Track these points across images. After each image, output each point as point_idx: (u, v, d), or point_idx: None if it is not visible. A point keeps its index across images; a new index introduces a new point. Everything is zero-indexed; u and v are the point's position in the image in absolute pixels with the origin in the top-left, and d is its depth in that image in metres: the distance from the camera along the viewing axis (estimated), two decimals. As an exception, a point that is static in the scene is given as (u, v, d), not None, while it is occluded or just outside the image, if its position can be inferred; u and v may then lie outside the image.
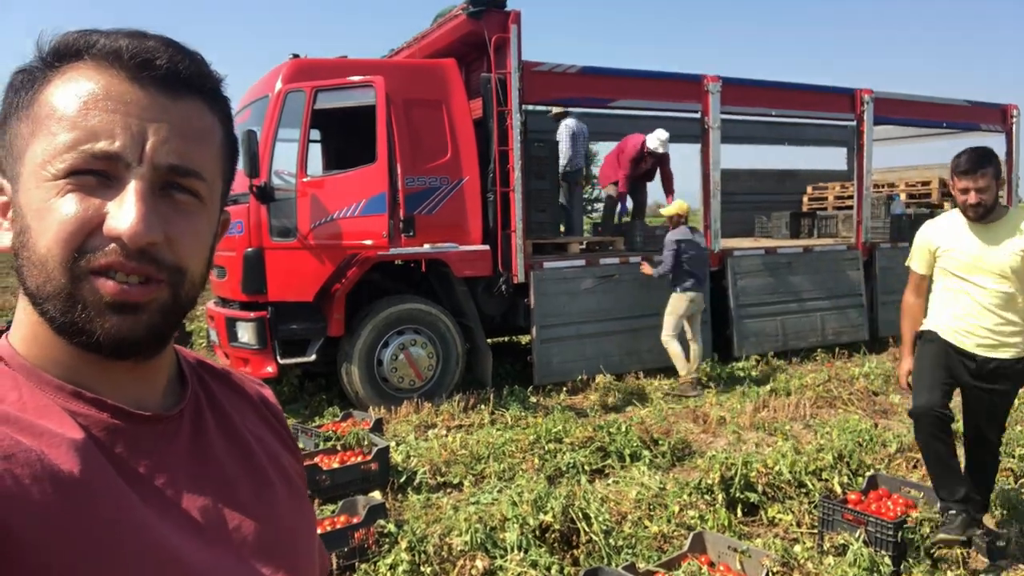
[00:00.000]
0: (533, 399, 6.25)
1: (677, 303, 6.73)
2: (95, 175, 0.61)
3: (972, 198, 3.14)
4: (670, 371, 6.99)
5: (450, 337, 6.34)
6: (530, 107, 7.33)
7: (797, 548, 3.33)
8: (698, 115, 7.83)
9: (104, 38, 0.63)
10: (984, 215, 3.17)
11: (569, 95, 7.28)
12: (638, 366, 7.11)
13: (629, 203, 8.75)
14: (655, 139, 7.92)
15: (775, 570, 3.00)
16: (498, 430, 5.25)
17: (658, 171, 8.39)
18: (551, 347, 6.84)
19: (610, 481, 4.41)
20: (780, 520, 3.77)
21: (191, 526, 0.65)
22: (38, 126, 0.62)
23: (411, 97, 6.27)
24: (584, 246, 7.92)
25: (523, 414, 5.68)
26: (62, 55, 0.63)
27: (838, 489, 3.87)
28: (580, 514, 3.45)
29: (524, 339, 8.85)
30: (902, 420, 5.62)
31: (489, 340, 6.87)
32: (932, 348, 3.36)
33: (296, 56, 6.24)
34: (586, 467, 4.54)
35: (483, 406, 5.88)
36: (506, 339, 8.98)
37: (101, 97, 0.61)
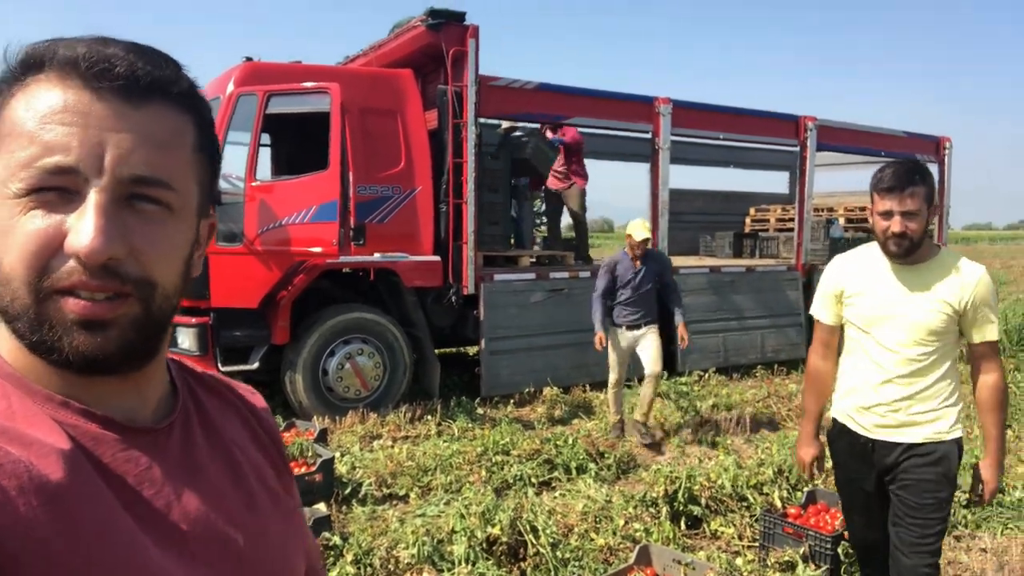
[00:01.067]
0: (480, 411, 6.24)
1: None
2: (56, 191, 0.59)
3: (896, 225, 2.29)
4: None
5: (398, 347, 6.29)
6: (484, 120, 7.36)
7: (739, 561, 3.41)
8: (649, 135, 8.00)
9: (65, 47, 0.61)
10: (909, 251, 2.33)
11: (525, 110, 7.34)
12: (586, 379, 7.18)
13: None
14: None
15: (718, 582, 3.06)
16: (445, 442, 5.22)
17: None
18: (500, 359, 6.85)
19: (557, 494, 4.43)
20: (723, 533, 3.85)
21: (176, 539, 0.64)
22: (1, 143, 0.60)
23: (366, 105, 6.24)
24: (535, 259, 7.98)
25: (470, 426, 5.67)
26: (27, 67, 0.61)
27: (778, 503, 3.98)
28: (528, 527, 3.45)
29: (472, 350, 8.84)
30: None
31: (437, 351, 6.84)
32: (840, 450, 2.64)
33: (249, 59, 6.14)
34: (533, 480, 4.56)
35: (430, 417, 5.84)
36: (454, 350, 8.96)
37: (58, 110, 0.59)
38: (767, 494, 4.20)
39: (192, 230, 0.68)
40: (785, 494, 4.23)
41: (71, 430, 0.61)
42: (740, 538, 3.80)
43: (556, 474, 4.72)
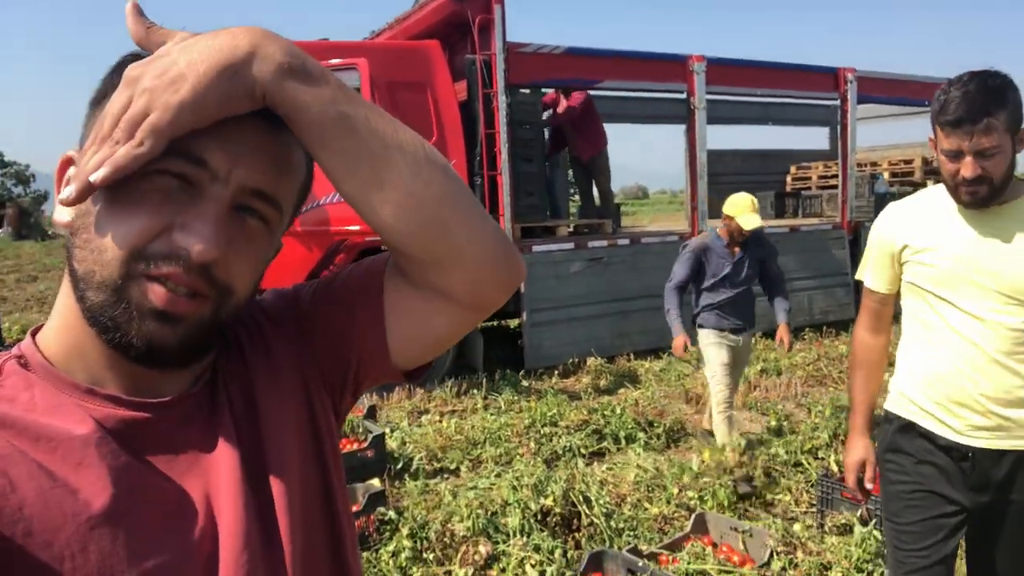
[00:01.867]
0: (525, 383, 6.22)
1: (702, 349, 4.53)
2: (177, 178, 0.60)
3: (967, 169, 1.67)
4: (660, 352, 6.99)
5: (440, 322, 6.27)
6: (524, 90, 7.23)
7: (796, 527, 3.33)
8: (684, 95, 7.79)
9: None
10: (988, 199, 1.72)
11: (555, 76, 7.21)
12: (629, 348, 7.11)
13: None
14: None
15: (778, 549, 3.00)
16: (492, 415, 5.22)
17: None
18: (542, 331, 6.81)
19: (607, 464, 4.39)
20: (779, 500, 3.77)
21: (202, 517, 0.63)
22: None
23: (395, 79, 6.17)
24: (572, 229, 7.88)
25: (516, 398, 5.65)
26: None
27: (835, 467, 3.88)
28: (580, 497, 3.43)
29: (513, 323, 8.81)
30: (892, 397, 5.67)
31: (479, 325, 6.81)
32: (906, 456, 1.93)
33: None
34: (582, 450, 4.53)
35: (475, 391, 5.84)
36: (495, 323, 8.94)
37: None
38: (823, 458, 4.11)
39: (273, 247, 0.71)
40: (841, 458, 4.13)
41: (97, 414, 0.61)
42: (797, 504, 3.72)
43: (605, 444, 4.68)
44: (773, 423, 4.92)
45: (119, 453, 0.60)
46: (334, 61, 5.84)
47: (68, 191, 0.57)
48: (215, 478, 0.65)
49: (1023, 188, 1.78)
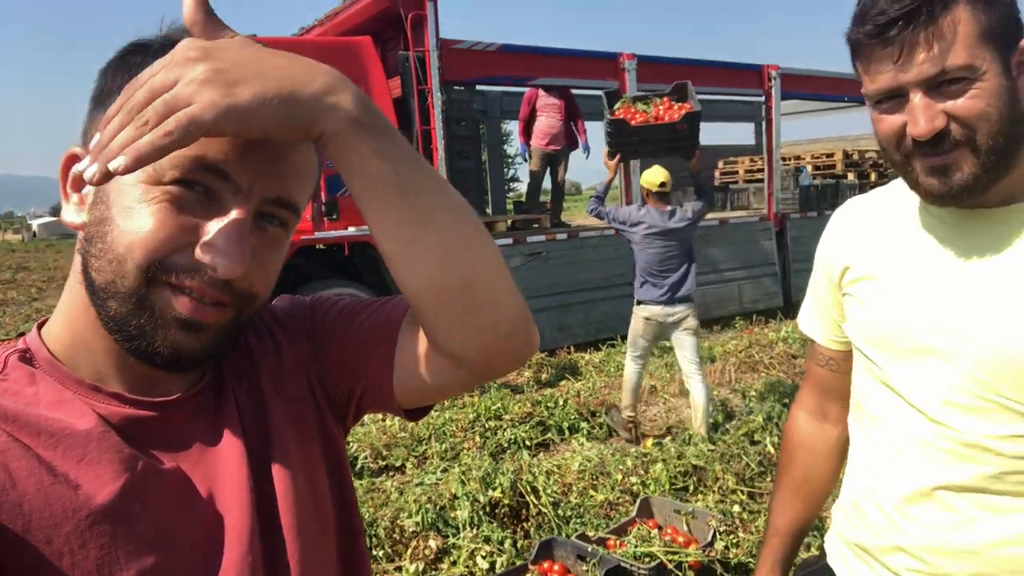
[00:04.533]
0: (467, 379, 6.23)
1: (632, 320, 4.76)
2: (194, 189, 0.59)
3: (919, 119, 0.88)
4: (600, 343, 7.11)
5: (380, 321, 6.23)
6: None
7: (736, 508, 3.46)
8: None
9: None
10: (973, 185, 0.90)
11: (489, 73, 7.24)
12: (569, 341, 7.20)
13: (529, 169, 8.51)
14: None
15: (721, 529, 3.10)
16: (436, 411, 5.21)
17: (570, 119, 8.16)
18: (482, 327, 6.82)
19: (552, 455, 4.45)
20: (718, 485, 3.89)
21: (204, 514, 0.63)
22: None
23: (328, 76, 6.07)
24: (510, 224, 7.93)
25: (460, 393, 5.66)
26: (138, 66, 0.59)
27: (771, 450, 4.03)
28: (528, 488, 3.47)
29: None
30: (820, 380, 5.91)
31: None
32: None
33: None
34: (527, 442, 4.58)
35: (418, 389, 5.82)
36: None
37: None
38: (758, 442, 4.26)
39: (287, 246, 0.70)
40: (776, 439, 4.30)
41: (102, 411, 0.61)
42: (736, 486, 3.85)
43: (549, 435, 4.74)
44: (710, 408, 5.07)
45: (122, 449, 0.60)
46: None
47: (91, 170, 0.52)
48: (220, 475, 0.65)
49: None
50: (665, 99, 4.76)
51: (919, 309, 0.98)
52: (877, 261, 1.06)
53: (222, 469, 0.65)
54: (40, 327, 0.66)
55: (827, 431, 1.25)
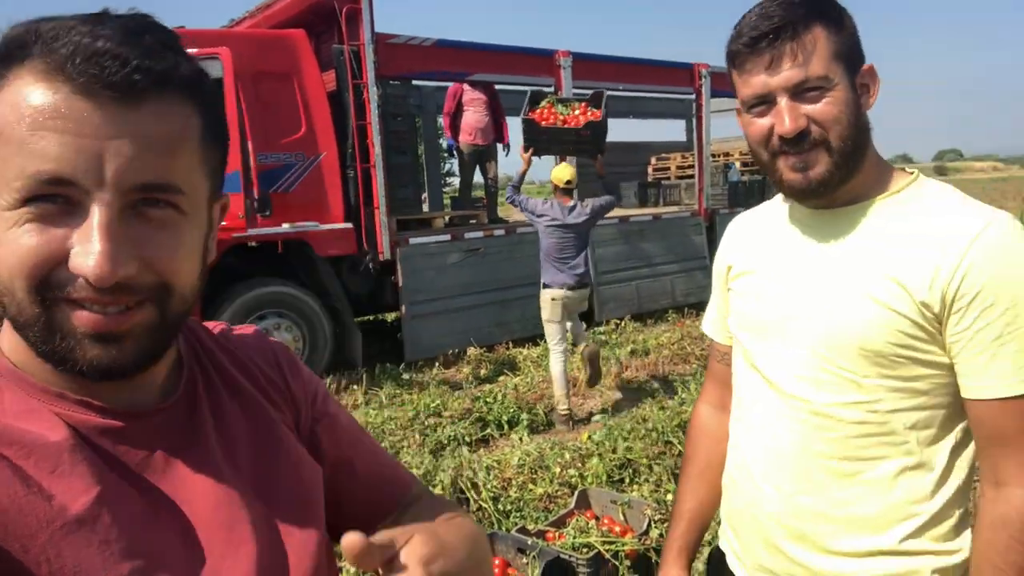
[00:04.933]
0: (406, 376, 6.22)
1: (541, 304, 5.20)
2: (54, 201, 0.55)
3: (785, 117, 1.03)
4: (538, 339, 7.19)
5: (316, 319, 6.15)
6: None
7: (669, 497, 3.57)
8: (552, 89, 8.01)
9: (51, 39, 0.55)
10: (829, 181, 1.05)
11: (425, 68, 7.21)
12: (507, 336, 7.26)
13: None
14: None
15: (656, 518, 3.21)
16: (374, 409, 5.19)
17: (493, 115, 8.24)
18: (421, 323, 6.82)
19: (492, 450, 4.50)
20: (652, 475, 4.01)
21: (178, 524, 0.63)
22: None
23: (260, 69, 5.95)
24: (448, 220, 7.93)
25: (398, 392, 5.65)
26: (7, 57, 0.56)
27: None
28: (469, 484, 3.51)
29: (390, 317, 8.76)
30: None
31: (355, 319, 6.74)
32: None
33: (44, 20, 5.70)
34: (467, 438, 4.61)
35: (356, 387, 5.79)
36: (371, 318, 8.85)
37: (49, 115, 0.54)
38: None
39: (205, 223, 0.65)
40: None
41: (70, 420, 0.60)
42: (671, 476, 3.98)
43: (489, 431, 4.79)
44: (644, 400, 5.22)
45: (94, 459, 0.59)
46: (192, 51, 5.53)
47: None
48: (191, 486, 0.65)
49: (890, 179, 1.11)
50: (583, 104, 5.30)
51: (777, 296, 1.16)
52: (753, 259, 1.24)
53: (193, 481, 0.65)
54: None
55: (726, 421, 1.34)
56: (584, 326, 5.63)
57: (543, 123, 5.14)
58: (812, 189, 1.06)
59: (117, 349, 0.58)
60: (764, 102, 1.06)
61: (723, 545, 1.32)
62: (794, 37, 1.02)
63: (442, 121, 8.42)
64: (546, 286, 5.10)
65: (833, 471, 1.08)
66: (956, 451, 1.07)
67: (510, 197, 5.21)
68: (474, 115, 8.14)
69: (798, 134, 1.03)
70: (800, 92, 1.03)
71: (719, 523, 1.35)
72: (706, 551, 2.93)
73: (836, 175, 1.05)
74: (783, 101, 1.03)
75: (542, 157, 5.42)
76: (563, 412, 5.06)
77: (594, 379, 5.34)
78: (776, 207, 1.25)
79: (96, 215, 0.55)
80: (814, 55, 1.02)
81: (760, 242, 1.23)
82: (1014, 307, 0.96)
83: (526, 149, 5.19)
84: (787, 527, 1.13)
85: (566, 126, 5.16)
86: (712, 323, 1.39)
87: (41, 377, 0.61)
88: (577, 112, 5.23)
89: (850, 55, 1.05)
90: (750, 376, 1.21)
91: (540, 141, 5.22)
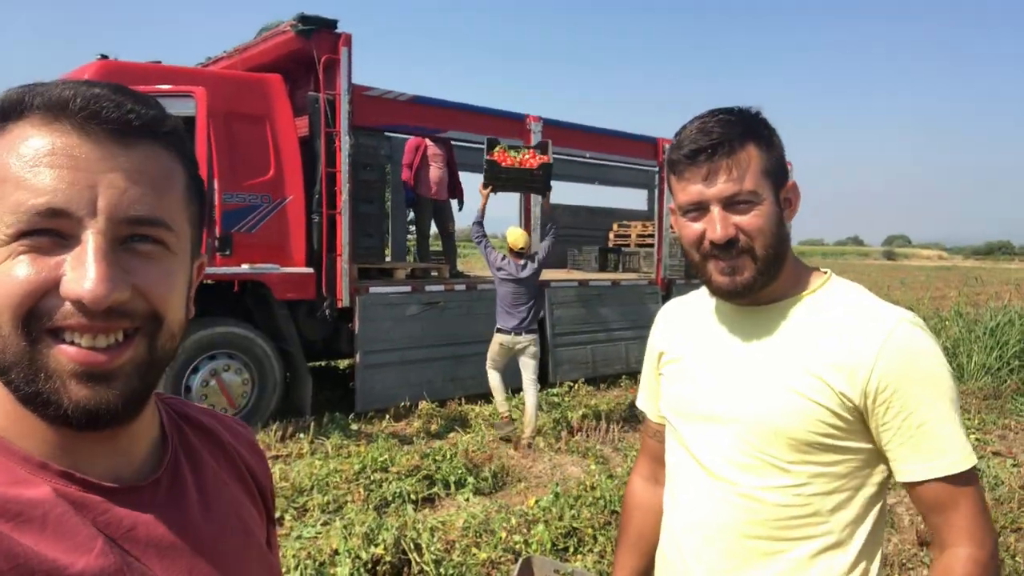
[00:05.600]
0: (355, 427, 6.13)
1: (493, 340, 6.13)
2: (49, 235, 0.57)
3: (716, 225, 1.14)
4: (491, 396, 7.17)
5: (267, 362, 6.06)
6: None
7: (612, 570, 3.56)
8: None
9: (49, 90, 0.59)
10: (753, 284, 1.17)
11: (399, 122, 7.33)
12: (460, 392, 7.23)
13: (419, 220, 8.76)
14: None
15: (598, 589, 3.19)
16: (319, 460, 5.09)
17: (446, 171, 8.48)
18: (374, 373, 6.76)
19: (437, 510, 4.44)
20: (597, 545, 4.00)
21: None
22: None
23: (233, 110, 5.99)
24: (409, 272, 7.95)
25: (345, 442, 5.55)
26: (6, 112, 0.59)
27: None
28: (412, 545, 3.45)
29: (342, 364, 8.65)
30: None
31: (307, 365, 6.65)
32: None
33: (104, 57, 5.72)
34: (413, 496, 4.54)
35: (302, 435, 5.67)
36: (323, 364, 8.73)
37: (46, 153, 0.57)
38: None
39: (188, 271, 0.67)
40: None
41: (57, 490, 0.59)
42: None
43: (435, 489, 4.72)
44: (593, 466, 5.23)
45: (84, 527, 0.59)
46: (165, 87, 5.57)
47: None
48: (172, 563, 0.65)
49: (807, 280, 1.22)
50: (531, 150, 6.35)
51: (706, 385, 1.25)
52: (682, 347, 1.33)
53: (176, 558, 0.65)
54: None
55: (658, 493, 1.42)
56: (536, 388, 6.14)
57: (503, 163, 6.02)
58: (738, 292, 1.18)
59: (106, 390, 0.58)
60: (698, 209, 1.17)
61: None
62: (730, 154, 1.13)
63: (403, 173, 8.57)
64: (498, 330, 6.01)
65: (759, 551, 1.17)
66: (873, 531, 1.16)
67: (478, 235, 6.04)
68: (437, 170, 8.36)
69: (727, 241, 1.14)
70: (731, 204, 1.14)
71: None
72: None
73: (759, 280, 1.17)
74: (716, 210, 1.15)
75: (498, 193, 6.20)
76: (503, 413, 6.14)
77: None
78: (705, 298, 1.34)
79: (90, 241, 0.57)
80: (747, 172, 1.14)
81: (690, 331, 1.33)
82: (927, 398, 1.08)
83: (485, 186, 6.03)
84: None
85: (522, 167, 6.14)
86: (644, 401, 1.48)
87: (24, 444, 0.60)
88: (527, 156, 6.22)
89: (776, 173, 1.18)
90: (682, 457, 1.29)
91: (500, 179, 6.08)
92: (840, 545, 1.14)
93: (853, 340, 1.11)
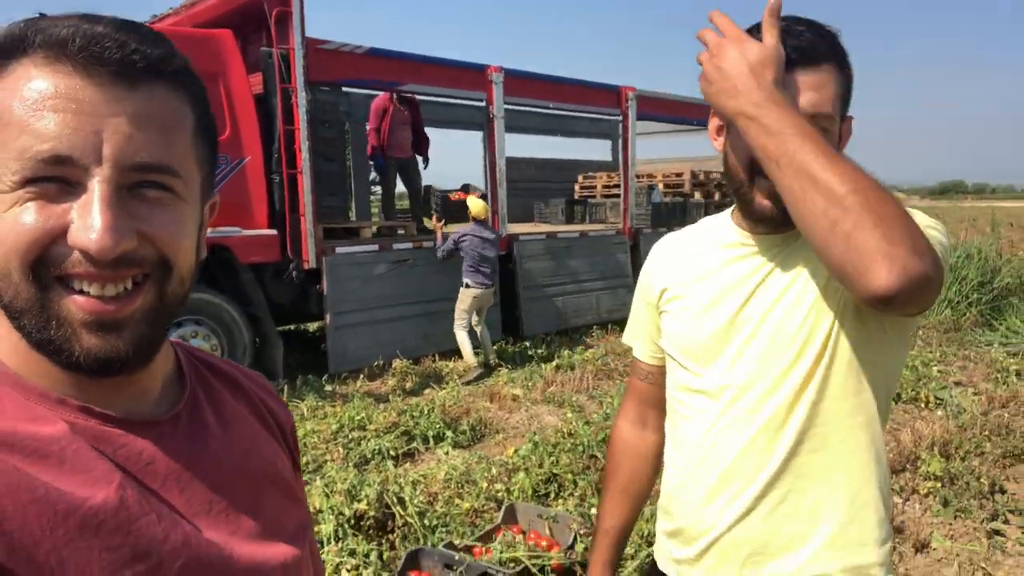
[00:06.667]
0: (329, 388, 6.09)
1: (462, 297, 6.78)
2: (55, 182, 0.55)
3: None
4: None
5: (235, 327, 5.96)
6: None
7: (593, 511, 3.61)
8: (483, 104, 8.06)
9: (50, 27, 0.57)
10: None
11: (356, 76, 7.14)
12: (434, 349, 7.21)
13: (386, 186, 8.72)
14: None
15: (581, 532, 3.24)
16: (296, 420, 5.05)
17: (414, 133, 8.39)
18: (346, 334, 6.70)
19: (417, 464, 4.45)
20: (577, 489, 4.05)
21: (180, 526, 0.62)
22: None
23: (184, 68, 5.76)
24: (376, 230, 7.83)
25: (321, 404, 5.52)
26: (8, 50, 0.57)
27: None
28: (395, 499, 3.45)
29: (312, 327, 8.57)
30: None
31: (277, 329, 6.56)
32: None
33: (43, 16, 5.42)
34: (392, 452, 4.54)
35: (276, 398, 5.61)
36: (292, 327, 8.63)
37: (49, 96, 0.55)
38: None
39: (198, 214, 0.66)
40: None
41: (71, 427, 0.59)
42: (596, 492, 4.02)
43: (414, 445, 4.73)
44: (569, 414, 5.27)
45: (98, 463, 0.58)
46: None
47: None
48: (192, 496, 0.65)
49: None
50: (460, 191, 7.93)
51: (721, 316, 1.17)
52: (688, 281, 1.24)
53: (196, 491, 0.65)
54: None
55: (647, 437, 1.40)
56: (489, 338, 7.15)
57: (452, 199, 8.04)
58: (778, 218, 1.07)
59: (116, 338, 0.58)
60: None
61: (663, 563, 1.30)
62: (815, 69, 1.04)
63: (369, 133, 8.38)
64: (468, 286, 6.74)
65: (780, 476, 1.11)
66: (880, 448, 1.14)
67: (444, 254, 6.92)
68: (403, 132, 8.16)
69: None
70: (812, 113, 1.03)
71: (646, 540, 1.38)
72: (629, 565, 3.00)
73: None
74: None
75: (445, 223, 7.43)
76: (474, 364, 6.77)
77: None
78: (707, 231, 1.27)
79: (96, 190, 0.56)
80: (828, 93, 1.04)
81: (694, 265, 1.24)
82: None
83: (439, 220, 7.44)
84: (720, 545, 1.16)
85: (459, 199, 8.26)
86: (635, 339, 1.39)
87: (41, 382, 0.60)
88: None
89: (845, 102, 1.09)
90: (687, 396, 1.23)
91: (449, 212, 8.07)
92: (857, 457, 1.11)
93: None
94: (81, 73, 0.56)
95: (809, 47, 1.03)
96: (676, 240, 1.34)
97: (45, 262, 0.56)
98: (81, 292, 0.57)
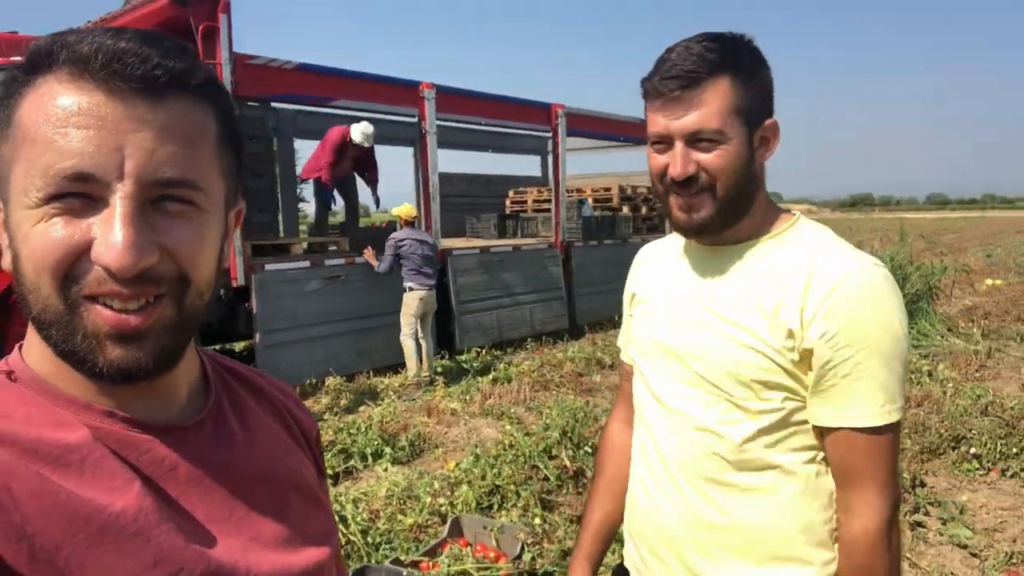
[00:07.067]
0: (261, 408, 5.94)
1: (407, 302, 6.79)
2: (79, 197, 0.56)
3: (675, 161, 1.12)
4: (400, 367, 7.13)
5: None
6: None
7: (537, 521, 3.66)
8: (415, 120, 8.08)
9: (75, 42, 0.57)
10: (711, 224, 1.15)
11: (285, 91, 7.04)
12: (368, 365, 7.14)
13: (338, 200, 8.36)
14: (359, 131, 7.42)
15: (528, 542, 3.27)
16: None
17: (362, 168, 8.22)
18: (277, 352, 6.56)
19: (357, 482, 4.39)
20: (520, 500, 4.08)
21: (200, 533, 0.63)
22: (16, 149, 0.58)
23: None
24: (306, 247, 7.71)
25: (253, 425, 5.38)
26: (35, 65, 0.58)
27: (567, 463, 4.31)
28: (336, 517, 3.40)
29: (239, 346, 8.34)
30: (605, 396, 6.42)
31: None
32: None
33: (71, 30, 5.15)
34: (330, 470, 4.47)
35: (206, 421, 5.44)
36: (218, 347, 8.38)
37: (72, 112, 0.56)
38: (556, 456, 4.53)
39: (221, 225, 0.66)
40: (571, 453, 4.60)
41: (95, 432, 0.60)
42: (539, 501, 4.07)
43: (353, 463, 4.67)
44: (508, 426, 5.30)
45: (121, 470, 0.59)
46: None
47: None
48: (213, 501, 0.65)
49: (774, 222, 1.20)
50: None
51: (665, 321, 1.25)
52: (650, 287, 1.33)
53: (218, 497, 0.66)
54: (20, 349, 0.65)
55: (629, 432, 1.44)
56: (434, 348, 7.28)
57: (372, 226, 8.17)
58: (695, 229, 1.16)
59: (138, 348, 0.59)
60: (663, 142, 1.14)
61: (627, 563, 1.37)
62: (699, 88, 1.08)
63: (306, 145, 8.22)
64: (411, 289, 6.78)
65: (716, 482, 1.16)
66: (827, 472, 1.14)
67: (385, 268, 6.86)
68: (349, 161, 7.81)
69: (687, 178, 1.11)
70: (695, 140, 1.10)
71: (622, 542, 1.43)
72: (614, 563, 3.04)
73: (717, 220, 1.14)
74: (678, 146, 1.11)
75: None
76: (420, 377, 6.77)
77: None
78: (676, 240, 1.33)
79: (118, 206, 0.56)
80: (715, 108, 1.08)
81: (659, 272, 1.32)
82: (864, 348, 1.05)
83: (366, 248, 7.29)
84: (685, 539, 1.20)
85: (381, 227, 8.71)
86: (623, 344, 1.45)
87: (68, 388, 0.62)
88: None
89: (752, 110, 1.11)
90: (643, 394, 1.30)
91: (373, 239, 7.76)
92: (795, 481, 1.13)
93: (806, 282, 1.08)
94: (104, 89, 0.56)
95: (682, 73, 1.08)
96: (652, 248, 1.42)
97: (73, 277, 0.57)
98: (105, 305, 0.58)
